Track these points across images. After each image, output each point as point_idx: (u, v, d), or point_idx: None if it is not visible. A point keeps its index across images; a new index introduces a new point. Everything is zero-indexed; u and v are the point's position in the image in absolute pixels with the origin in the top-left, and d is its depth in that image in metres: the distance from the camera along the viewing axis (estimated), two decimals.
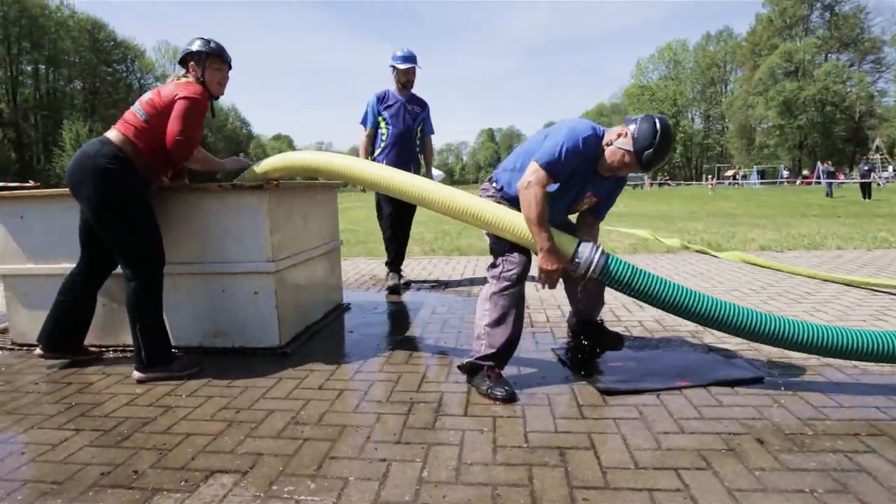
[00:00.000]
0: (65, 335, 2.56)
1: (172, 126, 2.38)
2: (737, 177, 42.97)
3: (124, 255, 2.39)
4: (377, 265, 5.72)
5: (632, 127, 2.09)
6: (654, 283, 2.09)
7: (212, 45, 2.55)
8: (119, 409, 2.09)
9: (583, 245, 2.14)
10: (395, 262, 4.32)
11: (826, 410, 1.92)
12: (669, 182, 54.06)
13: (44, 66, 43.09)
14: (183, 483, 1.55)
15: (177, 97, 2.41)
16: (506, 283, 2.18)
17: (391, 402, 2.08)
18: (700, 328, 2.96)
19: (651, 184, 48.86)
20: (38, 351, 2.58)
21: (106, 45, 47.32)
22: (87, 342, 2.69)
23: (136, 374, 2.39)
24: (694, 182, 47.13)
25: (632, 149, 2.07)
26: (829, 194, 20.51)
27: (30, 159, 40.44)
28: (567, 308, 3.45)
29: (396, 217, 4.22)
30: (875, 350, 1.98)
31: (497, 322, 2.16)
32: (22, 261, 2.85)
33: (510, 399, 2.05)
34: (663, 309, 2.12)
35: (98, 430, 1.90)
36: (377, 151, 4.24)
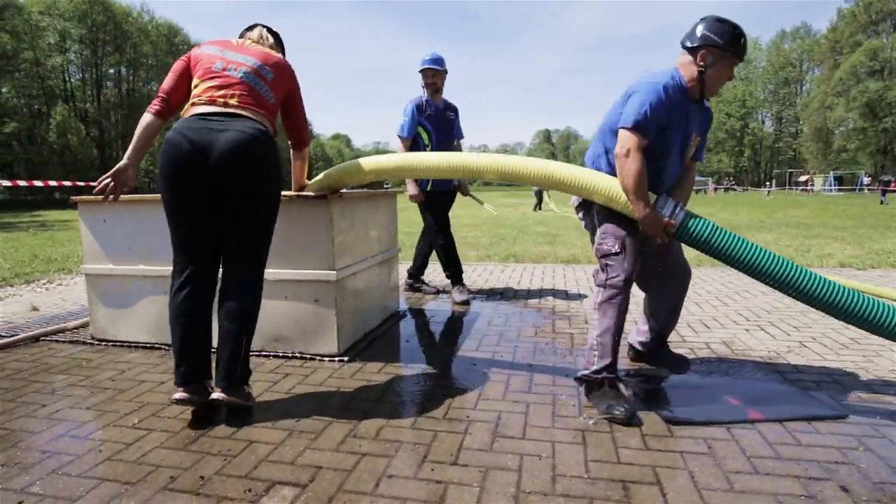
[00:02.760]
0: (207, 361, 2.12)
1: (304, 119, 2.37)
2: (805, 182, 40.30)
3: (260, 257, 2.17)
4: (432, 270, 5.73)
5: (702, 32, 2.08)
6: (735, 243, 2.03)
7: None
8: (187, 410, 2.16)
9: (661, 199, 2.11)
10: (457, 274, 4.25)
11: None
12: (735, 187, 51.62)
13: (125, 68, 45.90)
14: (245, 492, 1.59)
15: (295, 84, 2.26)
16: (613, 291, 2.16)
17: (448, 420, 2.07)
18: (772, 354, 2.79)
19: (715, 189, 46.76)
20: (178, 395, 2.01)
21: (182, 48, 49.86)
22: (147, 338, 2.76)
23: (222, 396, 2.04)
24: (761, 188, 44.70)
25: (728, 49, 2.06)
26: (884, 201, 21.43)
27: (110, 155, 43.20)
28: (627, 326, 3.34)
29: (445, 225, 4.23)
30: None
31: (607, 331, 2.15)
32: (103, 261, 3.03)
33: (629, 420, 2.00)
34: (744, 272, 2.05)
35: (168, 432, 1.98)
36: None
